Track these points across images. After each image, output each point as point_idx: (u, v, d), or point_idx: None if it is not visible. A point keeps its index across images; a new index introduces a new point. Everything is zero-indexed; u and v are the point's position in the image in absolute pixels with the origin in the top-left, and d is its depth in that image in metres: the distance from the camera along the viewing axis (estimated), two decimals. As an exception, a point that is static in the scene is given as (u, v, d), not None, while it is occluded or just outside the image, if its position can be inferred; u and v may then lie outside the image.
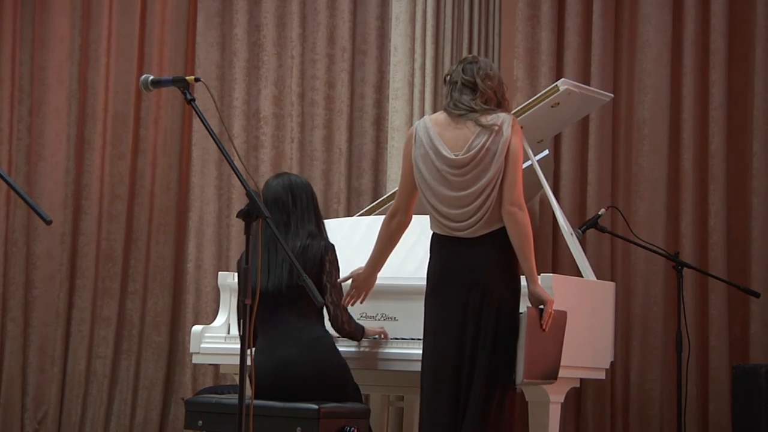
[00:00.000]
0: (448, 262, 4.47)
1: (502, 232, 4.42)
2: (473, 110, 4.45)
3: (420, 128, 4.54)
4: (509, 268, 4.45)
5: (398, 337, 5.04)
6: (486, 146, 4.40)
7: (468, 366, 4.39)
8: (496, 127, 4.40)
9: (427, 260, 4.59)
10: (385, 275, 4.94)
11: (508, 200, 4.39)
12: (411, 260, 5.19)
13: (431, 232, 4.58)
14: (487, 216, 4.41)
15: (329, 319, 4.89)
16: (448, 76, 4.58)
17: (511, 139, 4.41)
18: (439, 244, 4.52)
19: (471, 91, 4.48)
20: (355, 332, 4.94)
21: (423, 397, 4.50)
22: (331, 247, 4.89)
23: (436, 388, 4.43)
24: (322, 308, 4.87)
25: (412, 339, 4.97)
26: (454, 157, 4.43)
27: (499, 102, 4.51)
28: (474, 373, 4.38)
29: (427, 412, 4.47)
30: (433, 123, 4.52)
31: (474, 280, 4.40)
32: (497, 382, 4.38)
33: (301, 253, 4.79)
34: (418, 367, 4.69)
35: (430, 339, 4.50)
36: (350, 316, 4.93)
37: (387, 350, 5.01)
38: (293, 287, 4.76)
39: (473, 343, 4.39)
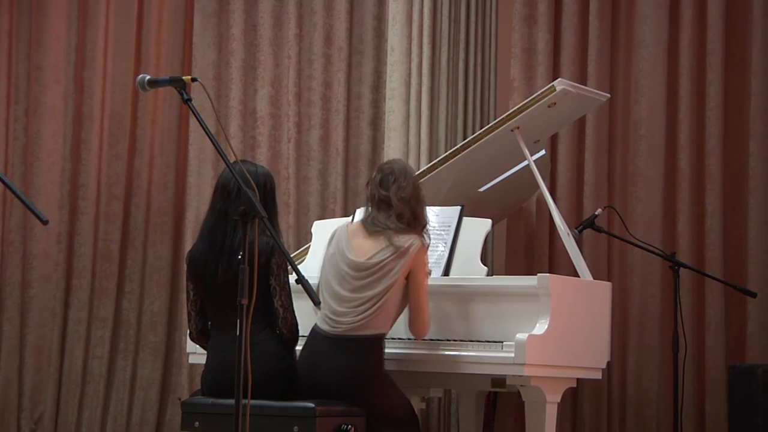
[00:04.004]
0: (316, 364, 4.71)
1: (377, 338, 4.73)
2: (389, 228, 4.78)
3: (339, 233, 4.89)
4: (378, 367, 4.74)
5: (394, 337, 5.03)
6: (387, 261, 4.73)
7: None
8: (403, 249, 4.73)
9: None
10: None
11: (415, 330, 4.84)
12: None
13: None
14: (367, 321, 4.70)
15: (279, 322, 4.71)
16: (368, 186, 4.91)
17: (412, 265, 4.74)
18: (313, 339, 4.77)
19: (387, 206, 4.81)
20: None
21: None
22: (278, 249, 4.56)
23: None
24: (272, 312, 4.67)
25: (409, 339, 4.97)
26: (355, 258, 4.76)
27: (413, 214, 4.82)
28: None
29: None
30: (349, 232, 4.86)
31: (340, 380, 4.67)
32: None
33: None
34: (414, 367, 4.85)
35: None
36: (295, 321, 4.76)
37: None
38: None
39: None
